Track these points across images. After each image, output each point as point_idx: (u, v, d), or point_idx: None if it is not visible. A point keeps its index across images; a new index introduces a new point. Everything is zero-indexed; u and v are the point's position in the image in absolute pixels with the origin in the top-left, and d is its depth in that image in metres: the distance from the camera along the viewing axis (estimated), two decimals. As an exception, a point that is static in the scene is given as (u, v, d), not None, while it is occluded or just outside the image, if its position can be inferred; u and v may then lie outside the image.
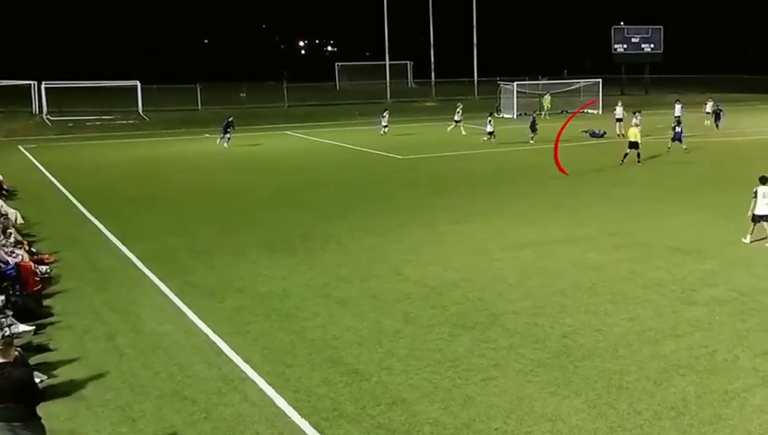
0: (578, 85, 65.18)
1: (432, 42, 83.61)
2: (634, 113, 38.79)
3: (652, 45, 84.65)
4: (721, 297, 15.13)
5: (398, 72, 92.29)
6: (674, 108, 47.94)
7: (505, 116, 58.70)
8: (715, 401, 10.71)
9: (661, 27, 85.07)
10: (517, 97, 59.34)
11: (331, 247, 19.85)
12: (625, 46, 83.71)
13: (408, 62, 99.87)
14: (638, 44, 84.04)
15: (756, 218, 19.27)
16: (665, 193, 26.38)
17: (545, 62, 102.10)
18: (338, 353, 12.73)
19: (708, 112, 49.73)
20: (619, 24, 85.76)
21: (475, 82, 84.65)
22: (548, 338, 13.19)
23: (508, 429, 10.14)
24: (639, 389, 11.14)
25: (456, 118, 46.71)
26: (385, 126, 46.50)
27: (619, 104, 45.69)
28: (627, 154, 32.89)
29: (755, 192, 19.20)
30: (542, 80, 69.99)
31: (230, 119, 43.44)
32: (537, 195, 26.80)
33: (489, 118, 42.44)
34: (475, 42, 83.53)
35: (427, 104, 76.60)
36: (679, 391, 11.05)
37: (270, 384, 11.54)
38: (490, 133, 40.67)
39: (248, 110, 69.15)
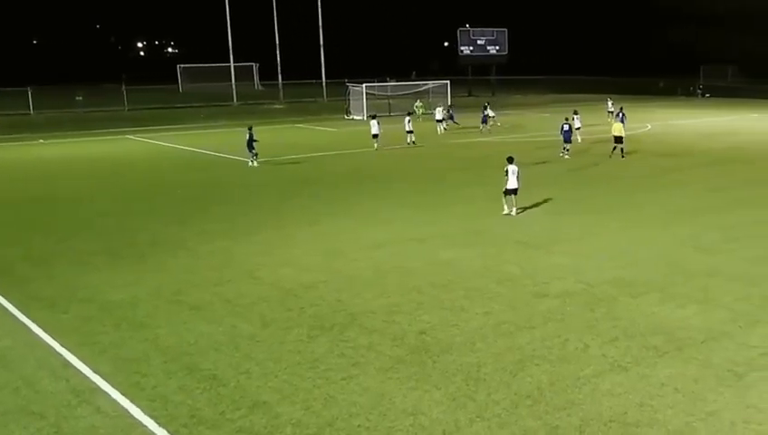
0: (426, 87, 66.44)
1: (278, 43, 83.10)
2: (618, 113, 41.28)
3: (497, 47, 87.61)
4: (570, 289, 15.71)
5: (243, 74, 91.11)
6: (607, 103, 52.56)
7: (355, 118, 59.18)
8: (568, 388, 11.10)
9: (505, 30, 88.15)
10: (366, 98, 59.80)
11: (180, 253, 19.30)
12: (471, 48, 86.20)
13: (254, 63, 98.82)
14: (483, 46, 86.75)
15: (508, 192, 22.86)
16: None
17: (393, 64, 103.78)
18: (194, 360, 12.35)
19: (611, 111, 52.40)
20: (465, 27, 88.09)
21: (324, 84, 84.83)
22: (406, 335, 13.30)
23: (370, 425, 10.14)
24: (497, 380, 11.41)
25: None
26: (444, 120, 48.24)
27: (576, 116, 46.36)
28: (614, 148, 34.68)
29: (506, 171, 22.78)
30: (390, 81, 70.93)
31: (251, 130, 34.70)
32: (389, 195, 27.10)
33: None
34: (321, 42, 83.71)
35: (275, 106, 76.14)
36: (534, 379, 11.39)
37: (123, 394, 11.07)
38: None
39: (86, 114, 66.56)
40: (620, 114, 41.80)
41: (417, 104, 59.48)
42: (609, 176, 30.60)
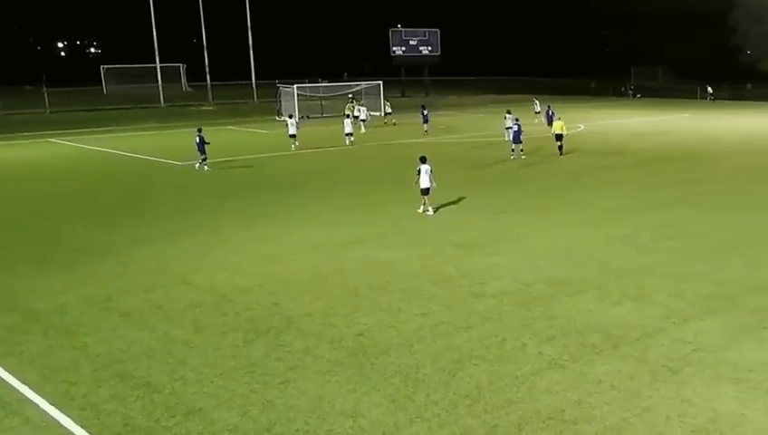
0: (358, 87, 66.26)
1: (205, 43, 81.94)
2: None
3: (430, 48, 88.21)
4: (507, 289, 15.76)
5: (170, 75, 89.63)
6: (534, 104, 54.28)
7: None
8: (507, 387, 11.13)
9: (438, 30, 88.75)
10: (298, 99, 59.36)
11: (110, 259, 18.80)
12: (403, 48, 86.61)
13: (181, 64, 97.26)
14: (415, 47, 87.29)
15: (423, 191, 23.03)
16: (446, 193, 27.27)
17: (325, 64, 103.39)
18: (126, 367, 12.01)
19: (538, 112, 53.81)
20: (397, 27, 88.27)
21: (254, 85, 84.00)
22: (344, 337, 13.17)
23: (309, 428, 10.00)
24: (435, 380, 11.37)
25: None
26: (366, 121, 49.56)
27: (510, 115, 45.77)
28: (560, 146, 35.78)
29: (419, 170, 22.97)
30: (322, 82, 70.56)
31: (201, 132, 33.00)
32: (326, 197, 26.86)
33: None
34: (250, 43, 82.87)
35: (204, 108, 75.10)
36: (473, 379, 11.38)
37: (53, 404, 10.70)
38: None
39: (4, 117, 64.74)
40: (549, 113, 42.53)
41: (348, 106, 59.49)
42: (544, 176, 30.94)
